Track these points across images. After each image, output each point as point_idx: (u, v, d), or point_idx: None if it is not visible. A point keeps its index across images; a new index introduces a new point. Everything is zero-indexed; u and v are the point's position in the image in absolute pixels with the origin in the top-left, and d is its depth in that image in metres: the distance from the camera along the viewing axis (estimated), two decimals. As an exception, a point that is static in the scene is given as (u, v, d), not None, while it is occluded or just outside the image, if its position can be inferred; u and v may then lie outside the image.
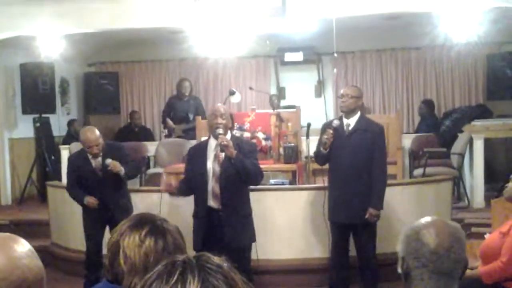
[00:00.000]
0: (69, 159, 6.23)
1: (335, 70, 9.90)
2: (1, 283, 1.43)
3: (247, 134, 7.40)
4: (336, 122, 5.57)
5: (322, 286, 5.89)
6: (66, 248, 7.27)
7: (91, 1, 7.90)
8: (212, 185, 5.01)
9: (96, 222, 5.92)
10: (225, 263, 1.18)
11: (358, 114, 5.62)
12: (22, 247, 1.53)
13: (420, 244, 2.02)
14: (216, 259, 1.18)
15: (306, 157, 7.39)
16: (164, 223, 2.13)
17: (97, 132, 5.86)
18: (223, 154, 5.00)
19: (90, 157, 5.87)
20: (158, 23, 8.25)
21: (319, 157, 5.72)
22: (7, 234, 1.58)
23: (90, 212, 5.92)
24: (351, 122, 5.57)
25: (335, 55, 9.05)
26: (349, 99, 5.54)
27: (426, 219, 2.12)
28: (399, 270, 2.09)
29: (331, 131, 5.51)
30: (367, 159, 5.47)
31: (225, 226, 4.93)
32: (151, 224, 2.09)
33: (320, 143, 5.66)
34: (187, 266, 1.14)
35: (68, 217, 7.08)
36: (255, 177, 5.11)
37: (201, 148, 5.25)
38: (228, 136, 5.08)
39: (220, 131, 4.93)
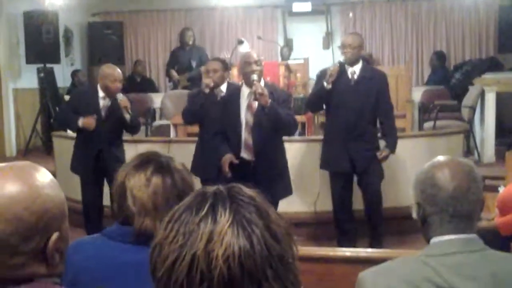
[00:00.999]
0: (75, 92, 6.03)
1: (350, 14, 9.65)
2: (23, 212, 1.36)
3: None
4: (340, 60, 5.47)
5: (334, 239, 5.83)
6: (74, 200, 7.19)
7: None
8: (245, 136, 4.81)
9: (86, 166, 5.74)
10: (258, 195, 1.12)
11: (361, 62, 5.51)
12: (44, 176, 1.45)
13: (436, 189, 1.92)
14: (248, 191, 1.12)
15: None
16: (170, 161, 2.05)
17: (120, 71, 5.72)
18: (256, 103, 4.77)
19: (100, 95, 5.69)
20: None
21: (319, 94, 5.50)
22: (28, 162, 1.49)
23: (81, 155, 5.78)
24: (355, 69, 5.45)
25: (350, 15, 8.83)
26: (350, 50, 5.39)
27: (439, 160, 2.00)
28: (415, 216, 2.00)
29: (337, 65, 5.40)
30: (374, 106, 5.41)
31: (260, 179, 4.59)
32: (156, 162, 2.02)
33: (314, 90, 5.59)
34: (218, 197, 1.09)
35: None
36: (289, 128, 4.92)
37: (234, 96, 4.99)
38: (262, 83, 4.81)
39: (255, 77, 4.70)
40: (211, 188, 1.12)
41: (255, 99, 4.68)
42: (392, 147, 5.44)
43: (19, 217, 1.35)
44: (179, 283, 1.02)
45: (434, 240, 1.93)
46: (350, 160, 5.43)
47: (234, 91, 5.05)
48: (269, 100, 4.63)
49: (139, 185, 1.97)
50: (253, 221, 1.04)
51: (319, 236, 6.00)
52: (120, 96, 5.53)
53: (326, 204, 5.98)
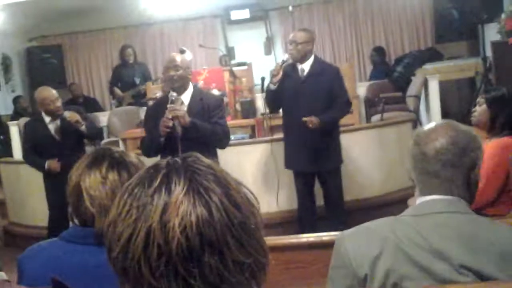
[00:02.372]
0: (25, 126, 5.98)
1: (290, 8, 9.68)
2: None
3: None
4: (286, 56, 5.44)
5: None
6: (25, 225, 7.05)
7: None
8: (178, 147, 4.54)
9: (59, 189, 5.67)
10: (216, 163, 1.08)
11: (312, 58, 5.44)
12: None
13: (427, 148, 1.90)
14: (205, 160, 1.07)
15: (262, 114, 7.29)
16: (124, 155, 1.99)
17: (53, 90, 5.64)
18: (183, 109, 4.53)
19: (47, 121, 5.62)
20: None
21: (268, 96, 5.48)
22: None
23: (51, 180, 5.66)
24: (305, 67, 5.39)
25: (290, 8, 8.88)
26: (295, 46, 5.34)
27: (439, 123, 1.99)
28: (410, 181, 1.99)
29: (279, 63, 5.35)
30: (326, 103, 5.31)
31: None
32: (109, 158, 1.95)
33: (268, 86, 5.50)
34: (172, 167, 1.04)
35: (24, 194, 6.86)
36: (219, 141, 4.70)
37: (162, 105, 4.63)
38: (190, 90, 4.65)
39: (174, 95, 4.48)
40: (164, 160, 1.07)
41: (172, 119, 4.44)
42: (322, 119, 5.24)
43: None
44: (136, 259, 0.97)
45: (419, 200, 1.92)
46: (311, 160, 5.39)
47: (162, 100, 4.81)
48: (188, 120, 4.42)
49: (96, 184, 1.89)
50: (210, 188, 1.00)
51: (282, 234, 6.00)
52: (67, 114, 5.47)
53: (288, 203, 5.99)
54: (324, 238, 2.57)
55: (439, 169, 1.89)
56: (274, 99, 5.44)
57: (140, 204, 1.00)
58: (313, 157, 5.37)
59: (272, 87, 5.34)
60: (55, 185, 5.64)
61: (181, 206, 0.97)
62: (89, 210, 1.89)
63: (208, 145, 4.51)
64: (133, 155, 2.02)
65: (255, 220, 1.05)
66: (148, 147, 4.69)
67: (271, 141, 6.16)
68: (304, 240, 2.67)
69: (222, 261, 0.97)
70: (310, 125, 5.17)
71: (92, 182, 1.90)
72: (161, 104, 4.65)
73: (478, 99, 3.94)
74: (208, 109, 4.60)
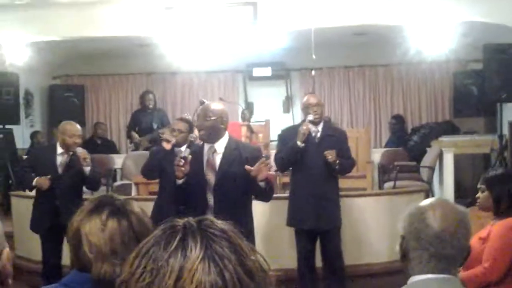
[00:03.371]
0: (33, 149, 6.06)
1: (313, 72, 9.82)
2: None
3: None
4: (311, 117, 5.55)
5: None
6: (31, 260, 7.03)
7: (57, 8, 7.73)
8: (208, 196, 4.44)
9: (44, 223, 5.69)
10: (230, 227, 1.07)
11: (323, 121, 5.71)
12: None
13: (423, 225, 1.92)
14: (220, 223, 1.07)
15: (276, 170, 7.33)
16: (125, 204, 2.00)
17: (79, 127, 5.76)
18: (217, 158, 4.47)
19: (58, 152, 5.68)
20: (127, 31, 8.12)
21: (290, 156, 5.53)
22: None
23: (40, 212, 5.75)
24: (318, 128, 5.62)
25: (313, 72, 9.01)
26: (319, 108, 5.60)
27: (433, 200, 2.02)
28: (397, 249, 1.99)
29: (308, 123, 5.50)
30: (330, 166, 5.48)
31: None
32: (111, 206, 1.96)
33: (280, 152, 5.66)
34: (188, 231, 1.03)
35: (32, 228, 6.86)
36: (266, 197, 4.59)
37: (197, 152, 4.55)
38: (225, 139, 4.54)
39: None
40: (180, 221, 1.06)
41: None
42: (338, 163, 5.43)
43: None
44: None
45: (412, 278, 1.91)
46: (315, 218, 5.48)
47: (197, 149, 4.68)
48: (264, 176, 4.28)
49: (95, 230, 1.91)
50: (225, 256, 0.99)
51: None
52: (79, 150, 5.55)
53: (291, 262, 5.96)
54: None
55: (436, 249, 1.89)
56: (296, 158, 5.53)
57: (155, 267, 0.99)
58: (317, 214, 5.46)
59: (301, 145, 5.46)
60: (44, 212, 5.71)
61: (195, 274, 0.96)
62: (87, 256, 1.91)
63: (243, 196, 4.48)
64: (135, 204, 2.03)
65: (266, 287, 1.04)
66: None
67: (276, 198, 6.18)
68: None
69: None
70: (330, 157, 5.34)
71: (92, 228, 1.92)
72: (196, 151, 4.60)
73: (479, 185, 3.93)
74: (246, 160, 4.41)
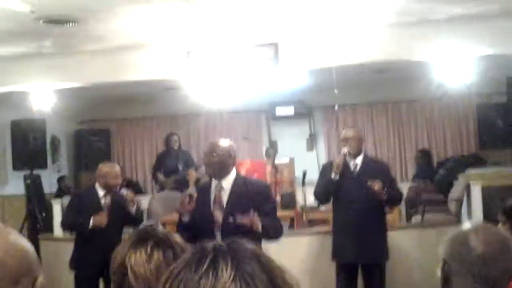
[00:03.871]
0: (75, 194, 6.13)
1: (336, 106, 9.83)
2: (4, 257, 1.33)
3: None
4: (345, 150, 5.56)
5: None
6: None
7: (82, 55, 7.87)
8: (216, 235, 4.28)
9: (91, 264, 5.69)
10: (260, 249, 1.07)
11: (363, 153, 5.67)
12: (15, 233, 1.44)
13: (467, 248, 1.89)
14: (249, 245, 1.06)
15: (302, 207, 7.33)
16: (168, 235, 2.03)
17: (118, 167, 5.88)
18: (224, 196, 4.37)
19: (100, 195, 5.75)
20: (150, 76, 8.22)
21: (325, 189, 5.60)
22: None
23: (86, 253, 5.76)
24: (357, 161, 5.61)
25: (336, 107, 9.02)
26: (353, 142, 5.58)
27: (475, 223, 2.00)
28: (439, 274, 1.96)
29: (342, 156, 5.53)
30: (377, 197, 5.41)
31: None
32: (155, 237, 1.99)
33: (320, 183, 5.67)
34: (218, 252, 1.02)
35: (62, 271, 6.88)
36: (274, 236, 4.42)
37: (204, 189, 4.50)
38: (232, 175, 4.45)
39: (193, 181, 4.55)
40: (210, 244, 1.06)
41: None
42: (387, 191, 5.40)
43: (2, 262, 1.32)
44: None
45: None
46: (355, 252, 5.44)
47: (204, 186, 4.62)
48: (258, 225, 4.14)
49: (141, 262, 1.93)
50: (256, 276, 0.98)
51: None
52: (125, 191, 5.65)
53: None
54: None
55: (480, 270, 1.86)
56: (331, 190, 5.56)
57: None
58: (360, 248, 5.40)
59: (336, 177, 5.47)
60: (91, 253, 5.69)
61: None
62: (133, 287, 1.93)
63: (251, 234, 4.19)
64: (177, 236, 2.06)
65: None
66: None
67: (318, 233, 6.17)
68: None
69: None
70: (376, 187, 5.28)
71: (138, 260, 1.94)
72: (204, 189, 4.53)
73: (499, 217, 3.80)
74: (254, 197, 4.36)
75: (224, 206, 4.39)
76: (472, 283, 1.86)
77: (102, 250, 5.57)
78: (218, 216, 4.34)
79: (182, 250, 1.98)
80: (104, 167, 5.88)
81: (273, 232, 4.40)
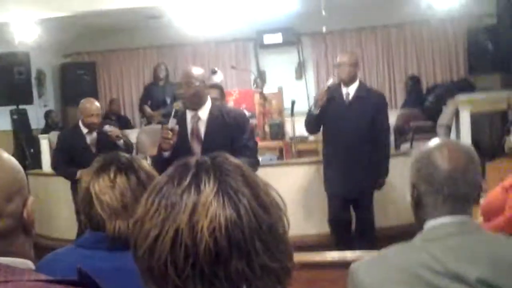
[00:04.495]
0: (60, 136, 6.07)
1: (324, 29, 9.68)
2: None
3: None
4: (331, 81, 5.42)
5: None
6: (51, 238, 7.09)
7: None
8: None
9: None
10: (244, 164, 1.06)
11: (357, 82, 5.41)
12: (5, 152, 1.42)
13: (432, 168, 1.83)
14: (234, 159, 1.05)
15: (291, 138, 7.28)
16: (132, 160, 2.00)
17: (97, 104, 5.74)
18: (201, 127, 4.24)
19: (84, 132, 5.70)
20: (135, 3, 8.05)
21: (309, 119, 5.41)
22: None
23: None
24: (350, 90, 5.35)
25: (324, 29, 8.84)
26: (347, 67, 5.30)
27: (436, 141, 1.94)
28: (408, 199, 1.93)
29: (325, 88, 5.32)
30: (370, 128, 5.26)
31: None
32: (117, 163, 1.96)
33: (311, 109, 5.44)
34: (201, 167, 1.02)
35: (51, 206, 6.91)
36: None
37: (180, 121, 4.27)
38: (208, 105, 4.28)
39: (177, 109, 4.22)
40: (193, 159, 1.06)
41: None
42: (385, 176, 5.41)
43: None
44: (163, 260, 0.96)
45: (429, 223, 1.86)
46: (347, 184, 5.34)
47: (181, 116, 4.40)
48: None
49: (104, 189, 1.91)
50: (239, 190, 0.99)
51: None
52: (108, 128, 5.58)
53: (321, 226, 5.93)
54: (348, 257, 2.53)
55: (450, 188, 1.83)
56: (316, 123, 5.39)
57: (169, 203, 0.98)
58: (350, 181, 5.32)
59: (315, 111, 5.30)
60: None
61: (210, 208, 0.95)
62: (99, 215, 1.91)
63: None
64: (142, 160, 2.04)
65: (282, 224, 1.04)
66: (155, 163, 4.34)
67: (307, 163, 6.12)
68: (328, 258, 2.64)
69: (249, 264, 0.96)
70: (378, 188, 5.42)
71: (101, 187, 1.92)
72: (181, 121, 4.33)
73: (509, 126, 3.82)
74: (232, 128, 4.26)
75: (202, 137, 4.28)
76: (444, 201, 1.83)
77: None
78: (196, 147, 4.24)
79: (147, 174, 1.97)
80: (82, 104, 5.78)
81: (252, 166, 4.14)
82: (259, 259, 0.97)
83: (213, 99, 5.05)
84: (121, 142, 5.64)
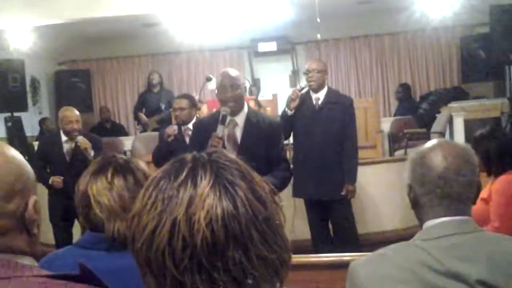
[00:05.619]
0: (41, 140, 6.09)
1: (318, 36, 9.72)
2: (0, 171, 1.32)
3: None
4: (301, 86, 5.49)
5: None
6: (44, 244, 7.08)
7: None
8: None
9: (61, 211, 5.74)
10: (241, 159, 1.08)
11: (326, 87, 5.51)
12: (14, 150, 1.40)
13: (425, 168, 1.86)
14: (230, 155, 1.07)
15: (286, 145, 7.28)
16: (128, 161, 2.02)
17: (77, 112, 5.70)
18: (238, 132, 4.07)
19: (63, 140, 5.71)
20: (130, 10, 8.07)
21: (282, 121, 5.23)
22: None
23: (55, 201, 5.81)
24: (320, 96, 5.43)
25: (319, 36, 8.88)
26: (316, 74, 5.40)
27: (432, 141, 1.96)
28: (407, 200, 1.95)
29: (297, 90, 5.40)
30: (340, 132, 5.33)
31: None
32: (114, 164, 1.98)
33: (285, 110, 5.49)
34: (197, 161, 1.03)
35: (45, 212, 6.89)
36: (281, 187, 4.07)
37: (212, 122, 4.05)
38: (245, 110, 4.11)
39: (227, 111, 3.97)
40: (189, 154, 1.07)
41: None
42: (352, 181, 5.35)
43: None
44: (160, 251, 0.97)
45: (427, 224, 1.88)
46: (319, 187, 5.34)
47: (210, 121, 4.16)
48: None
49: (102, 190, 1.93)
50: (236, 183, 1.00)
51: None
52: (80, 138, 5.55)
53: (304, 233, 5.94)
54: (345, 258, 2.55)
55: (442, 189, 1.85)
56: (288, 125, 5.39)
57: (166, 196, 1.00)
58: (323, 185, 5.32)
59: (289, 112, 5.36)
60: (58, 207, 5.75)
61: (206, 199, 0.97)
62: (98, 216, 1.93)
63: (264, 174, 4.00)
64: (139, 161, 2.05)
65: (278, 216, 1.05)
66: (161, 162, 4.21)
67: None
68: (325, 259, 2.65)
69: (246, 255, 0.97)
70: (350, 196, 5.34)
71: (99, 189, 1.94)
72: (212, 122, 4.10)
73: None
74: (268, 135, 4.11)
75: (239, 143, 4.11)
76: (439, 202, 1.85)
77: (67, 197, 5.62)
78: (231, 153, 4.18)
79: (144, 174, 1.99)
80: (62, 112, 5.80)
81: (281, 183, 4.06)
82: (256, 249, 0.98)
83: (179, 109, 5.07)
84: (90, 156, 5.55)
